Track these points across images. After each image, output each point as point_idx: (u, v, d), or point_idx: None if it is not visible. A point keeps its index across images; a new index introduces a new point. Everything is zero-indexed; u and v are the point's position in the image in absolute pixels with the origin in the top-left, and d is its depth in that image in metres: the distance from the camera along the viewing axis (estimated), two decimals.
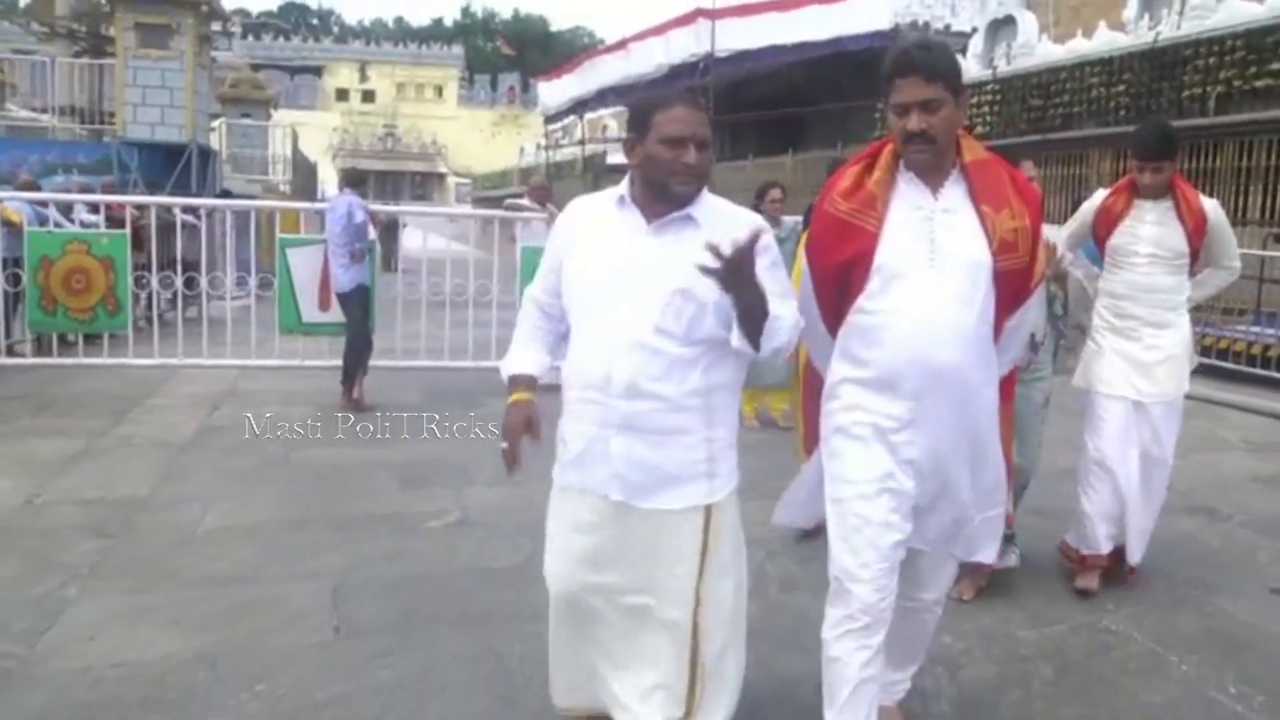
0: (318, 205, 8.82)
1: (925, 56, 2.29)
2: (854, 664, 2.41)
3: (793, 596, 3.75)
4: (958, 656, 3.31)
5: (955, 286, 2.32)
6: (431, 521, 4.54)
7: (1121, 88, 12.88)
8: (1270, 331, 9.25)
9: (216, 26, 17.64)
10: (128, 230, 7.70)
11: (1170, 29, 12.58)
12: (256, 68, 26.82)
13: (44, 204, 8.42)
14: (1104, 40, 13.61)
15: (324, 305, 7.47)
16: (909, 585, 2.55)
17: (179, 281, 7.94)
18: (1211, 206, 3.82)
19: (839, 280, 2.43)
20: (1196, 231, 3.76)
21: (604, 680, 2.46)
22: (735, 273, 2.05)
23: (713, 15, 20.76)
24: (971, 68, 15.44)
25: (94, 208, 8.84)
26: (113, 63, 15.89)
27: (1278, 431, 7.28)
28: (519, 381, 2.42)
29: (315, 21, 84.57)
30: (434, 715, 2.84)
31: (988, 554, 2.59)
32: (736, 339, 2.18)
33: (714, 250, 2.02)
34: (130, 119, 14.78)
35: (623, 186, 2.35)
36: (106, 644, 3.20)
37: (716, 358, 2.27)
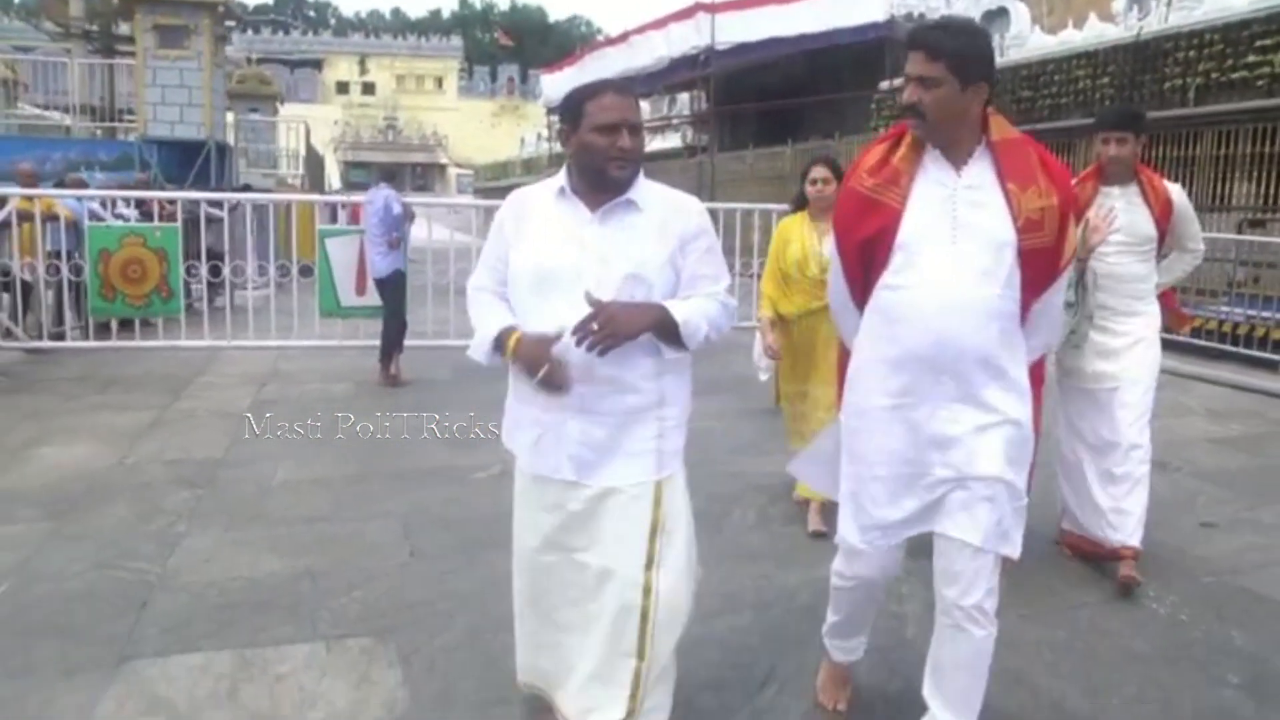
0: (355, 198, 9.46)
1: (933, 35, 2.34)
2: (853, 598, 2.72)
3: (791, 528, 4.40)
4: (925, 570, 3.93)
5: (978, 263, 2.32)
6: (478, 473, 5.17)
7: (1106, 79, 13.39)
8: (1240, 310, 9.85)
9: (231, 24, 18.17)
10: (179, 224, 8.35)
11: (1157, 20, 13.14)
12: (257, 62, 27.37)
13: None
14: (1092, 33, 14.16)
15: (360, 290, 8.17)
16: (944, 586, 2.44)
17: (226, 270, 8.61)
18: (1176, 190, 3.99)
19: (864, 257, 2.46)
20: (1163, 214, 3.90)
21: (556, 674, 2.50)
22: (602, 335, 2.15)
23: (712, 9, 21.33)
24: None
25: (133, 203, 9.48)
26: (125, 62, 16.42)
27: (1237, 400, 7.84)
28: (507, 331, 2.36)
29: (312, 14, 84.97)
30: (500, 614, 3.42)
31: (1013, 547, 2.43)
32: (666, 350, 2.31)
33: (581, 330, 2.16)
34: (151, 117, 15.26)
35: (560, 178, 2.37)
36: (221, 565, 3.86)
37: None
